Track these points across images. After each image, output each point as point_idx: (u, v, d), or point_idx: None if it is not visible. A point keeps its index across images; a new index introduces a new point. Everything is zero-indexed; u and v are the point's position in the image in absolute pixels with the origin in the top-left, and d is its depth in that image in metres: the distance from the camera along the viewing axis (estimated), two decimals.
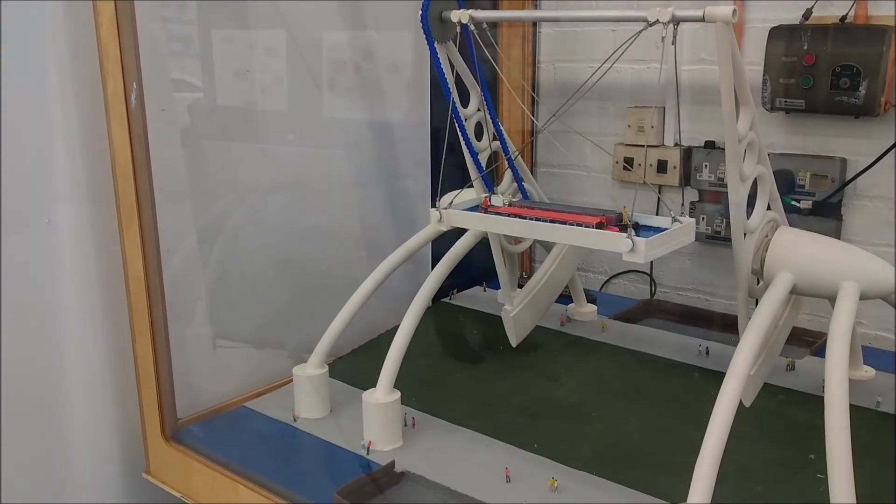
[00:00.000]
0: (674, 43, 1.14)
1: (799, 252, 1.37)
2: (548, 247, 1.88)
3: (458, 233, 1.70)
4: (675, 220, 1.23)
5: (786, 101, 1.92)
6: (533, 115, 2.50)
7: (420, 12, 1.36)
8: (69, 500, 1.63)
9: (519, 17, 1.39)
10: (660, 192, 2.27)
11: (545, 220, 1.24)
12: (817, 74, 1.86)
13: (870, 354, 1.75)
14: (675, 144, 2.20)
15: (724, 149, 2.08)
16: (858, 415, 1.34)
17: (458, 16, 1.35)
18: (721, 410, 1.15)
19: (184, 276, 1.69)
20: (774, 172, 1.99)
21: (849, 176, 1.93)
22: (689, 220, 1.23)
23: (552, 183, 2.46)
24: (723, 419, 1.14)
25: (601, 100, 2.32)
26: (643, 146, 2.23)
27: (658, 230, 1.22)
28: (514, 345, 1.81)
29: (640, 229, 1.22)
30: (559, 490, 1.34)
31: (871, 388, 1.62)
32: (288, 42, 1.86)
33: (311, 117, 1.99)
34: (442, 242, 1.77)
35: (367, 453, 1.48)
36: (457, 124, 1.47)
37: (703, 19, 1.13)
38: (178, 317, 1.64)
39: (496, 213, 1.31)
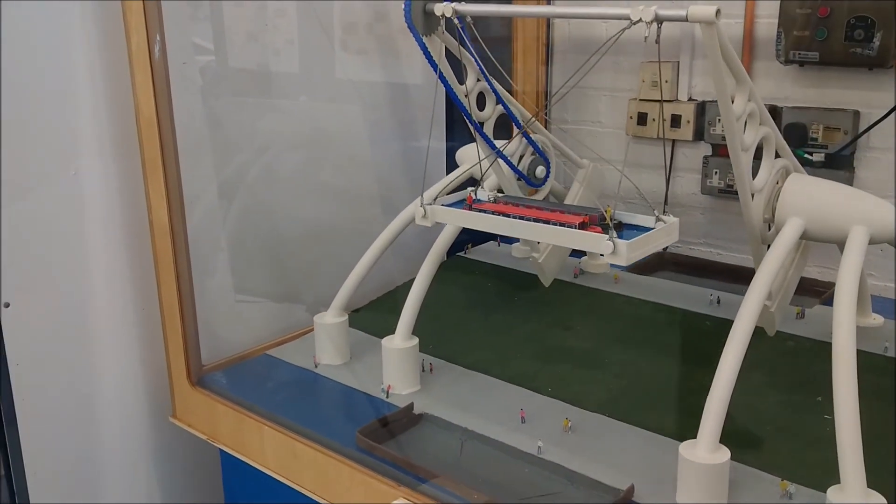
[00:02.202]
0: (657, 41, 1.11)
1: (809, 198, 1.39)
2: (560, 198, 1.90)
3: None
4: (658, 219, 1.19)
5: (799, 54, 1.93)
6: (547, 75, 2.51)
7: (403, 8, 1.31)
8: (98, 445, 1.69)
9: (504, 11, 1.35)
10: (673, 147, 2.29)
11: (528, 219, 1.21)
12: (831, 26, 1.86)
13: (879, 303, 1.78)
14: (689, 99, 2.22)
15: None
16: (866, 359, 1.38)
17: (442, 9, 1.31)
18: (733, 343, 1.19)
19: (205, 229, 1.74)
20: (787, 125, 2.02)
21: (861, 128, 1.94)
22: (672, 220, 1.19)
23: (566, 140, 2.48)
24: (735, 351, 1.18)
25: (615, 55, 2.33)
26: (657, 101, 2.24)
27: (641, 229, 1.19)
28: (546, 285, 1.83)
29: (623, 228, 1.19)
30: (573, 430, 1.39)
31: (880, 335, 1.65)
32: (299, 5, 1.88)
33: (326, 77, 2.02)
34: None
35: (387, 396, 1.52)
36: (457, 104, 1.45)
37: (686, 19, 1.10)
38: (201, 268, 1.68)
39: (480, 211, 1.27)
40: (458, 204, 1.35)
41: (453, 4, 1.30)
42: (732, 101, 1.28)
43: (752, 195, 1.37)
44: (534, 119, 1.64)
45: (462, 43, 1.38)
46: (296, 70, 1.95)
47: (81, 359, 1.64)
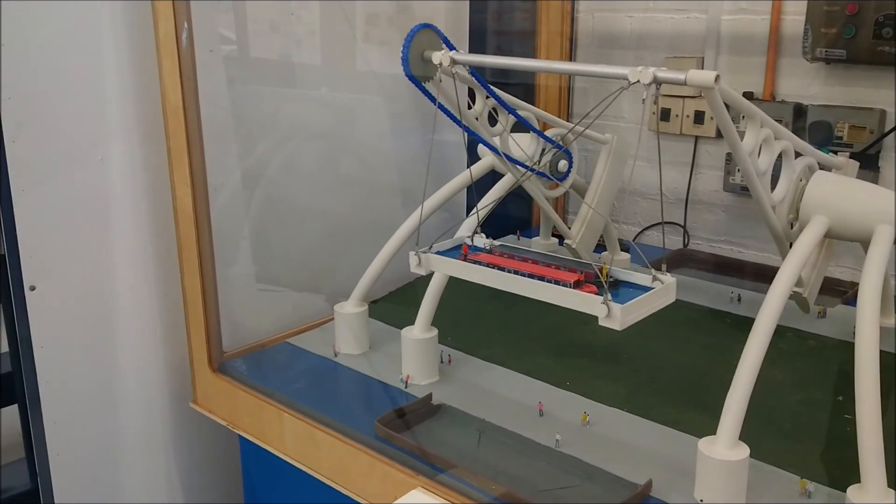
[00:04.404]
0: (656, 102, 1.08)
1: (834, 196, 1.39)
2: (581, 192, 1.90)
3: (493, 180, 1.73)
4: (655, 277, 1.14)
5: (826, 52, 1.91)
6: None
7: (401, 53, 1.28)
8: (119, 429, 1.71)
9: (502, 63, 1.32)
10: (696, 144, 2.28)
11: (523, 274, 1.16)
12: (860, 24, 1.85)
13: None
14: None
15: (762, 100, 2.08)
16: (888, 359, 1.37)
17: (440, 58, 1.27)
18: (755, 340, 1.19)
19: (229, 217, 1.75)
20: (812, 123, 2.00)
21: (888, 127, 1.93)
22: (669, 280, 1.14)
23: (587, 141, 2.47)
24: (757, 348, 1.18)
25: (639, 49, 2.32)
26: (681, 97, 2.23)
27: (637, 289, 1.14)
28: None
29: (619, 286, 1.15)
30: (591, 424, 1.39)
31: None
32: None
33: (348, 68, 2.02)
34: (478, 191, 1.80)
35: (406, 387, 1.53)
36: (470, 134, 1.44)
37: (684, 83, 1.08)
38: (223, 256, 1.70)
39: (475, 262, 1.23)
40: (454, 252, 1.31)
41: (451, 53, 1.27)
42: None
43: (774, 207, 1.38)
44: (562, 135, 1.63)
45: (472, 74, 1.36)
46: (318, 61, 1.96)
47: (105, 343, 1.65)
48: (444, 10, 2.20)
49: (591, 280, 1.13)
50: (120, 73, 1.56)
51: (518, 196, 1.75)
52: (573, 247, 1.79)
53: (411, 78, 1.30)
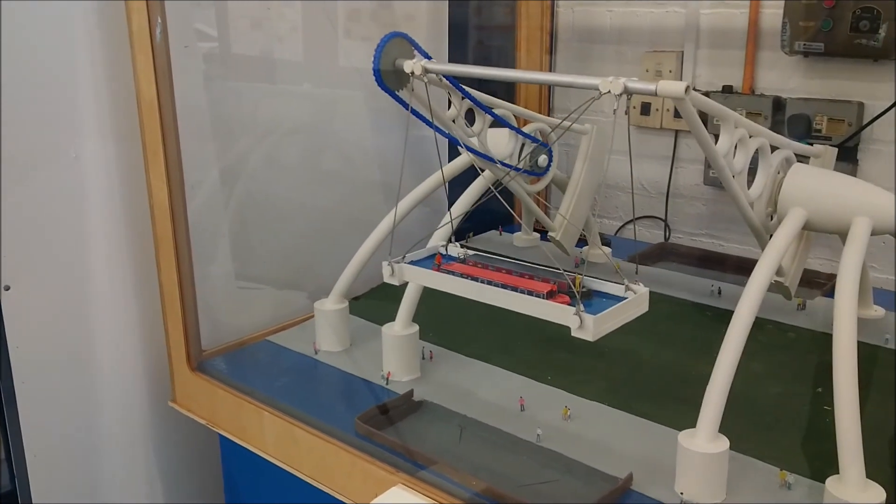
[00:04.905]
0: (627, 113, 1.08)
1: (812, 188, 1.39)
2: (562, 187, 1.89)
3: (475, 174, 1.72)
4: (628, 288, 1.14)
5: (805, 45, 1.92)
6: (550, 64, 2.51)
7: (373, 63, 1.26)
8: (98, 428, 1.69)
9: (475, 73, 1.31)
10: (676, 137, 2.28)
11: (496, 284, 1.17)
12: (837, 17, 1.85)
13: (881, 295, 1.78)
14: (693, 89, 2.20)
15: (741, 93, 2.09)
16: (867, 351, 1.38)
17: (412, 66, 1.26)
18: (734, 332, 1.19)
19: (207, 214, 1.73)
20: (791, 116, 2.01)
21: (866, 120, 1.94)
22: (642, 290, 1.14)
23: (567, 135, 2.47)
24: (736, 340, 1.18)
25: (619, 44, 2.32)
26: None
27: (610, 299, 1.14)
28: (569, 254, 1.84)
29: (592, 296, 1.15)
30: (572, 418, 1.39)
31: (881, 327, 1.65)
32: None
33: (330, 64, 2.01)
34: (458, 186, 1.80)
35: (387, 383, 1.52)
36: (447, 137, 1.43)
37: (655, 93, 1.08)
38: (202, 253, 1.68)
39: (449, 272, 1.23)
40: (428, 261, 1.31)
41: (423, 63, 1.26)
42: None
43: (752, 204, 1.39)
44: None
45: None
46: (299, 57, 1.94)
47: (82, 342, 1.64)
48: (425, 5, 2.19)
49: (565, 290, 1.14)
50: (93, 68, 1.54)
51: (502, 190, 1.75)
52: (557, 239, 1.79)
53: (385, 88, 1.29)
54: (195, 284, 1.62)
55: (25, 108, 1.46)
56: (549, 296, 1.12)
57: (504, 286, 1.17)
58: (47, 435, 1.60)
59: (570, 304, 1.09)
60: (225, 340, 1.75)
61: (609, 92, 1.08)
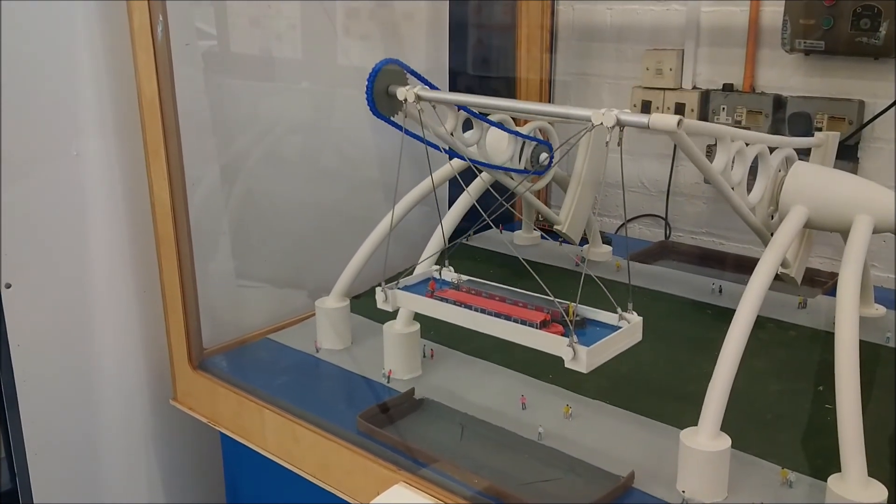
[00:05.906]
0: (620, 145, 1.06)
1: (813, 186, 1.39)
2: (563, 185, 1.89)
3: (474, 175, 1.72)
4: (621, 317, 1.13)
5: (805, 43, 1.92)
6: (551, 62, 2.51)
7: (366, 89, 1.27)
8: (99, 426, 1.69)
9: (467, 101, 1.30)
10: None
11: (489, 312, 1.16)
12: (838, 15, 1.85)
13: (882, 294, 1.78)
14: (693, 87, 2.21)
15: (742, 91, 2.09)
16: (868, 349, 1.38)
17: (405, 94, 1.27)
18: (736, 330, 1.19)
19: (208, 212, 1.73)
20: (792, 115, 2.01)
21: (867, 118, 1.94)
22: (636, 320, 1.13)
23: (567, 128, 2.47)
24: (738, 338, 1.18)
25: (619, 42, 2.32)
26: (661, 89, 2.23)
27: (604, 328, 1.13)
28: (576, 243, 1.84)
29: (585, 325, 1.14)
30: (573, 417, 1.39)
31: (882, 325, 1.65)
32: None
33: (329, 62, 2.01)
34: (458, 185, 1.79)
35: (388, 382, 1.52)
36: (445, 152, 1.44)
37: (647, 126, 1.06)
38: (203, 251, 1.68)
39: (442, 298, 1.23)
40: (422, 286, 1.30)
41: (416, 90, 1.26)
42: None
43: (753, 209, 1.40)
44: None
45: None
46: (299, 55, 1.94)
47: (83, 340, 1.64)
48: (425, 4, 2.19)
49: (558, 319, 1.12)
50: (95, 66, 1.54)
51: (499, 190, 1.74)
52: (564, 231, 1.78)
53: (377, 114, 1.30)
54: (196, 282, 1.61)
55: (27, 105, 1.46)
56: (543, 325, 1.11)
57: (497, 315, 1.16)
58: (48, 433, 1.60)
59: (563, 334, 1.08)
60: (226, 338, 1.74)
61: (601, 124, 1.07)
